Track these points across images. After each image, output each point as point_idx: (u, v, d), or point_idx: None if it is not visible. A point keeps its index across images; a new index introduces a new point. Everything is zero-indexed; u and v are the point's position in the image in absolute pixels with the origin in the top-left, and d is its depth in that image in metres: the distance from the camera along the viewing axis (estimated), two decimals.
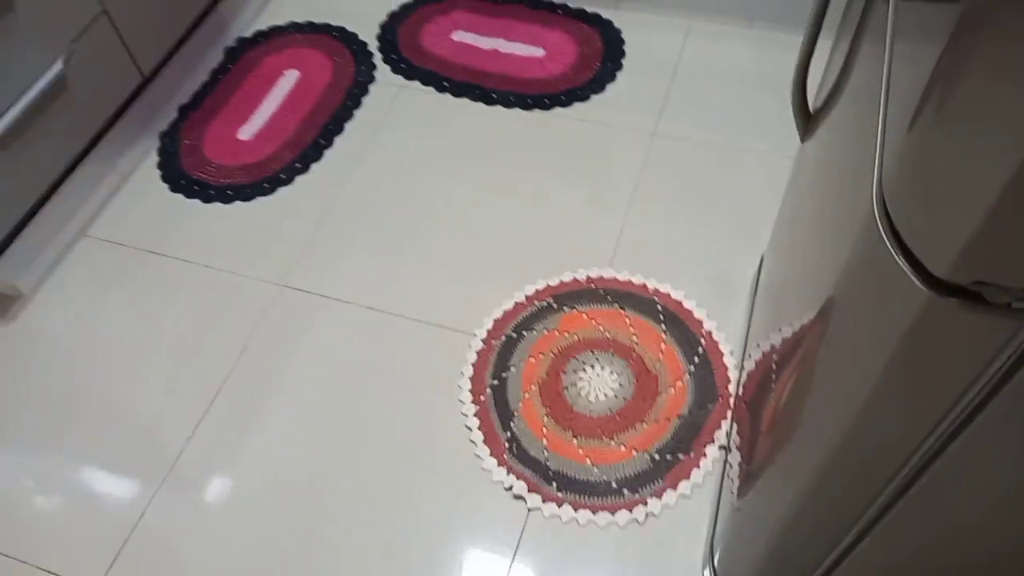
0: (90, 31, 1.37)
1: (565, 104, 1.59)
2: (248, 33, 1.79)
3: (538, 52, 1.68)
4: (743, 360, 1.18)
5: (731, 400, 1.19)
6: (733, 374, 1.21)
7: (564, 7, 1.75)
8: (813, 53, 0.79)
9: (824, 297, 0.64)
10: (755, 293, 1.24)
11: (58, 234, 1.44)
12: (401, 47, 1.73)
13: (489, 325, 1.30)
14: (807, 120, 0.91)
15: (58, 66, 1.32)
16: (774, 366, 0.86)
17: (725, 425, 1.17)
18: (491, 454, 1.17)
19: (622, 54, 1.66)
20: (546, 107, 1.59)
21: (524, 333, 1.28)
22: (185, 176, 1.56)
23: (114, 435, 1.24)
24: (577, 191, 1.47)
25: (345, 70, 1.70)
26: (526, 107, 1.60)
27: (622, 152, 1.52)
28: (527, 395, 1.22)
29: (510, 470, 1.15)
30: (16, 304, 1.40)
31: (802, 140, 0.97)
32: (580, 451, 1.16)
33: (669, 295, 1.31)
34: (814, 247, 0.74)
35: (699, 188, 1.45)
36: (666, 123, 1.55)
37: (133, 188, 1.55)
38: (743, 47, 1.65)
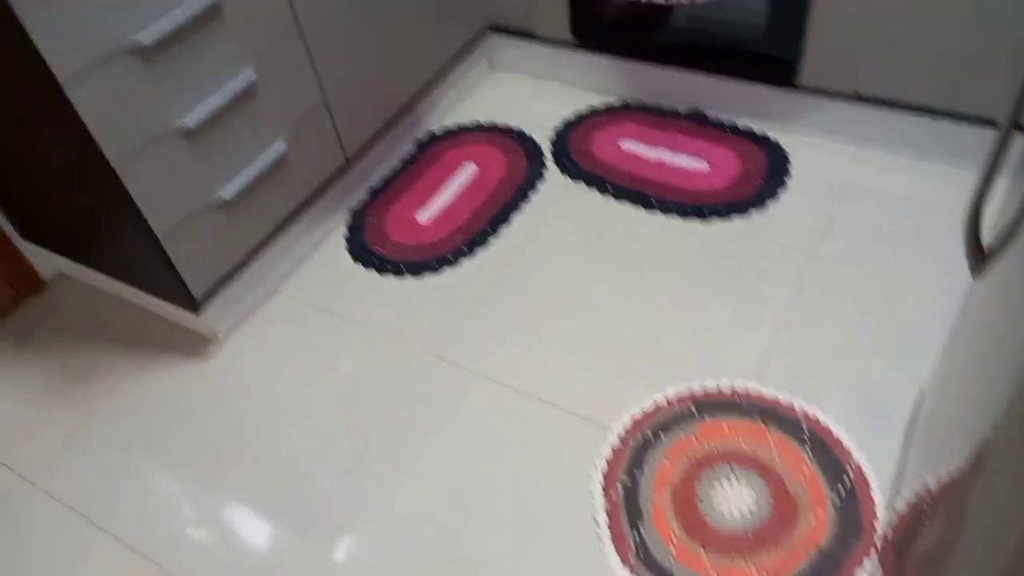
0: (310, 117, 1.59)
1: (724, 216, 1.63)
2: (437, 129, 1.99)
3: (702, 166, 1.75)
4: (894, 498, 1.12)
5: (876, 540, 1.13)
6: (881, 512, 1.16)
7: (732, 127, 1.82)
8: (989, 191, 0.80)
9: (980, 440, 0.63)
10: (912, 427, 1.19)
11: (256, 288, 1.63)
12: (572, 151, 1.86)
13: (627, 422, 1.32)
14: (980, 258, 0.90)
15: (282, 145, 1.54)
16: (927, 509, 0.83)
17: (868, 565, 1.11)
18: (617, 554, 1.17)
19: (786, 173, 1.69)
20: (704, 217, 1.64)
21: (661, 435, 1.30)
22: (367, 249, 1.73)
23: (269, 478, 1.37)
24: (729, 301, 1.49)
25: (518, 167, 1.85)
26: (684, 215, 1.66)
27: (778, 268, 1.53)
28: (658, 499, 1.22)
29: (634, 574, 1.15)
30: (212, 346, 1.59)
31: (973, 277, 0.95)
32: (709, 566, 1.14)
33: (817, 418, 1.28)
34: (976, 386, 0.73)
35: (856, 313, 1.43)
36: (827, 244, 1.55)
37: (322, 255, 1.74)
38: (912, 178, 1.63)
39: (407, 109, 1.88)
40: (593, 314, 1.52)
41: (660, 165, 1.78)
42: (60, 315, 1.71)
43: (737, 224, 1.62)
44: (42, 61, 1.11)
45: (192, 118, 1.34)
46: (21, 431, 1.50)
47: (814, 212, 1.61)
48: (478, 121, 2.00)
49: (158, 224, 1.35)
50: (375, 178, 1.88)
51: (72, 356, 1.62)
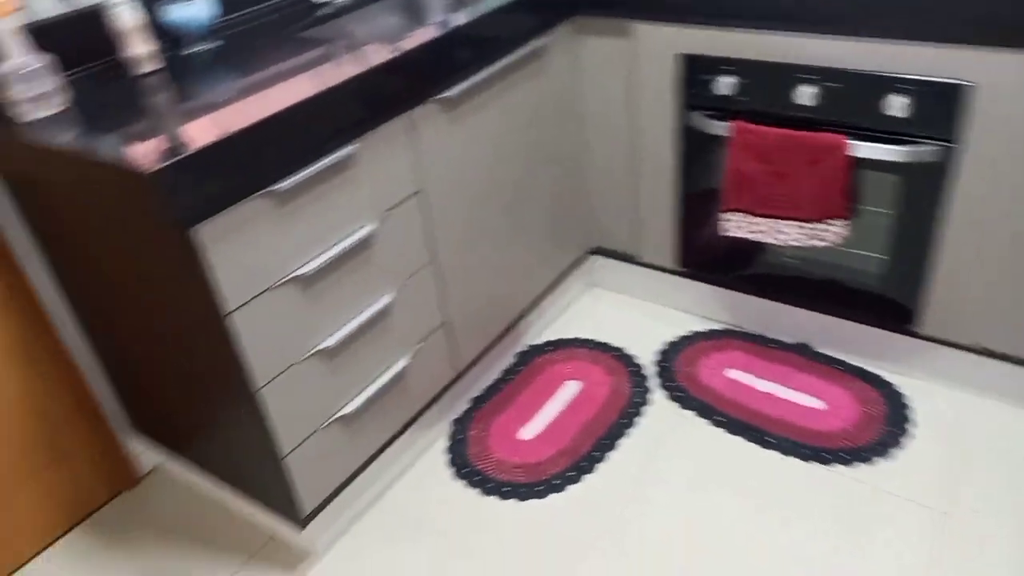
0: (432, 336, 1.63)
1: (846, 463, 1.58)
2: (538, 341, 2.02)
3: (817, 404, 1.72)
4: None
5: None
6: None
7: (843, 363, 1.81)
8: None
9: None
10: None
11: (356, 501, 1.59)
12: (677, 376, 1.85)
13: None
14: None
15: (404, 362, 1.56)
16: None
17: None
18: None
19: (907, 420, 1.65)
20: (825, 462, 1.59)
21: None
22: (468, 465, 1.70)
23: None
24: (860, 558, 1.39)
25: (622, 388, 1.84)
26: (804, 458, 1.60)
27: (910, 525, 1.44)
28: None
29: None
30: (308, 561, 1.53)
31: None
32: None
33: None
34: None
35: None
36: (961, 503, 1.47)
37: (424, 467, 1.71)
38: None
39: (512, 324, 1.92)
40: (708, 554, 1.43)
41: (770, 398, 1.75)
42: (153, 512, 1.68)
43: (862, 472, 1.56)
44: (217, 294, 1.17)
45: (333, 340, 1.38)
46: None
47: (942, 466, 1.54)
48: (578, 337, 2.02)
49: (286, 442, 1.35)
50: (477, 388, 1.89)
51: (163, 559, 1.57)
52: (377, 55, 1.36)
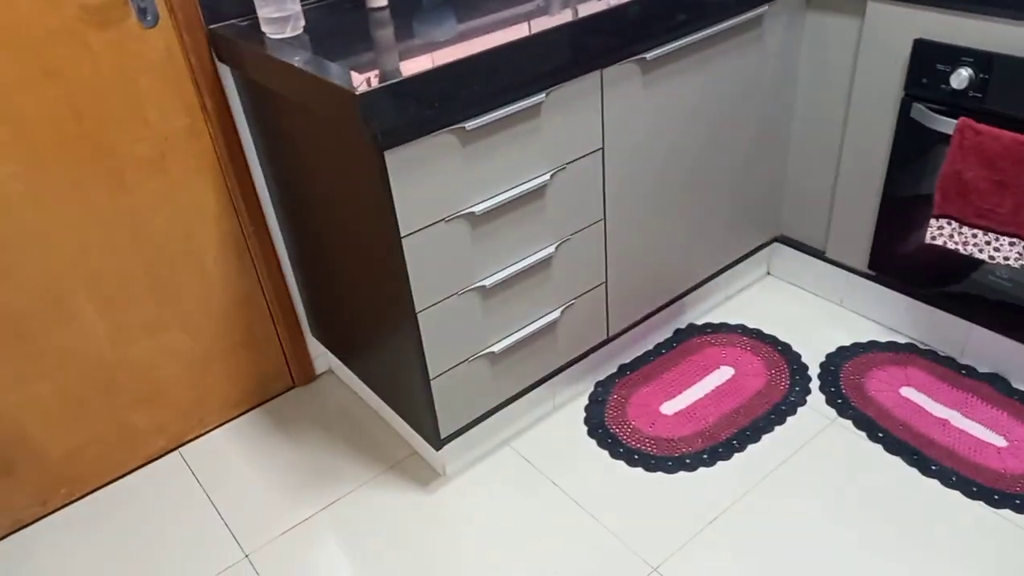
0: (588, 294, 1.65)
1: (1020, 510, 1.41)
2: (699, 321, 1.97)
3: (998, 441, 1.54)
4: None
5: None
6: None
7: None
8: None
9: None
10: None
11: (492, 436, 1.67)
12: (842, 383, 1.73)
13: None
14: None
15: (556, 314, 1.60)
16: None
17: None
18: None
19: None
20: (995, 504, 1.42)
21: None
22: (604, 426, 1.71)
23: None
24: None
25: (778, 384, 1.76)
26: (969, 495, 1.45)
27: None
28: None
29: None
30: (438, 481, 1.64)
31: None
32: None
33: None
34: None
35: None
36: None
37: (560, 419, 1.75)
38: None
39: (675, 299, 1.89)
40: (826, 572, 1.35)
41: (945, 425, 1.59)
42: (319, 410, 1.87)
43: None
44: (394, 217, 1.26)
45: (491, 279, 1.44)
46: (255, 511, 1.62)
47: None
48: (743, 324, 1.95)
49: (434, 366, 1.45)
50: (627, 356, 1.89)
51: (319, 453, 1.75)
52: (586, 8, 1.37)
